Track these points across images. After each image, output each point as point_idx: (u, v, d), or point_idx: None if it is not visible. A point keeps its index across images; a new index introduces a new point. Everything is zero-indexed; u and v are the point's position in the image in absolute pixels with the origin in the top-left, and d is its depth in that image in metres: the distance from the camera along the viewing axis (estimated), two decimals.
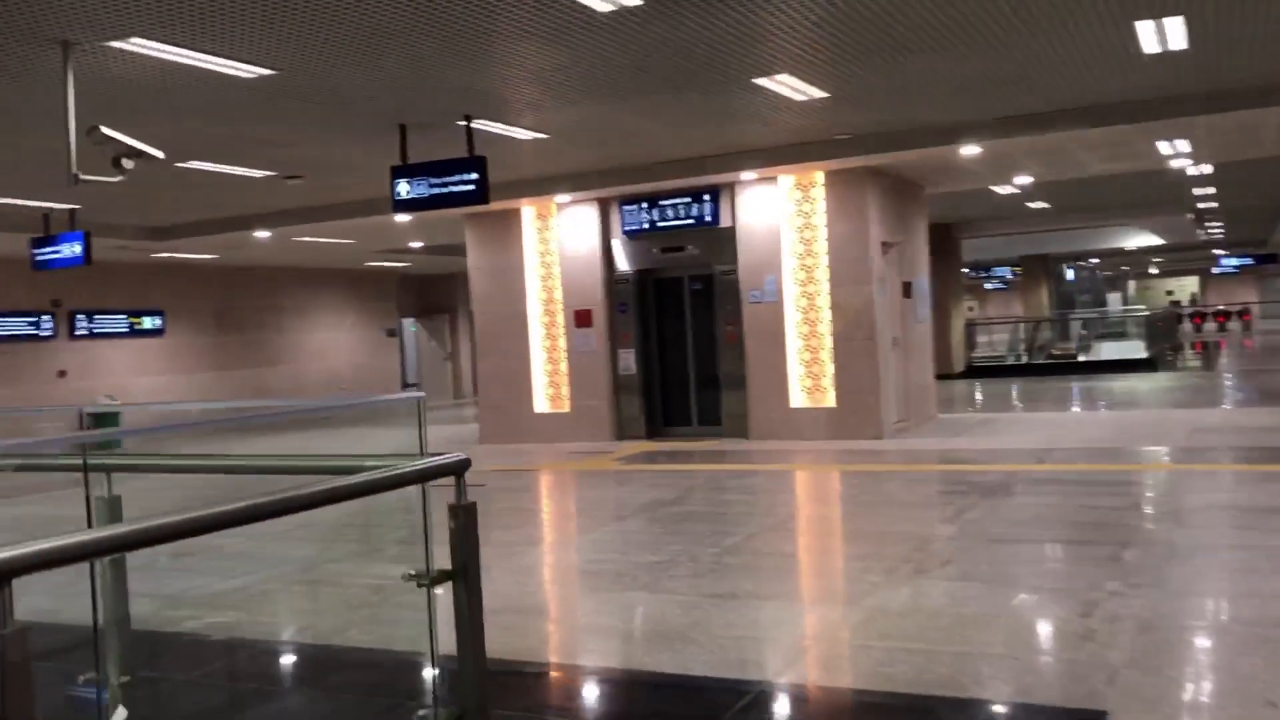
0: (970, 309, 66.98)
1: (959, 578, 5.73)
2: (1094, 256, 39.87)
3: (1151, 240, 30.39)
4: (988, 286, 65.01)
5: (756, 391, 13.05)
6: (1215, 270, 48.34)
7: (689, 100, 9.23)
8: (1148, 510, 7.66)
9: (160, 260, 18.09)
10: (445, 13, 6.33)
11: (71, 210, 13.10)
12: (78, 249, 12.63)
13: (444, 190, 9.40)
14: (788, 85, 8.81)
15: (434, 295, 25.43)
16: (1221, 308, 45.28)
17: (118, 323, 17.97)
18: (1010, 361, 25.55)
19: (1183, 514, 7.28)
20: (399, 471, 2.43)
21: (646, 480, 10.20)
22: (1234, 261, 43.07)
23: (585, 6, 6.36)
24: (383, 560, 6.43)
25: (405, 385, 27.99)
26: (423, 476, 2.50)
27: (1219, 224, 28.03)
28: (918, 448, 11.51)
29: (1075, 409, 15.13)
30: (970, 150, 11.57)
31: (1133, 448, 10.46)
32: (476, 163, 9.27)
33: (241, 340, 20.47)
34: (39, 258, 13.10)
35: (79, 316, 17.40)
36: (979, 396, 18.69)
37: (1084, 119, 10.52)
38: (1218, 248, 41.02)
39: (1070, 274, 44.57)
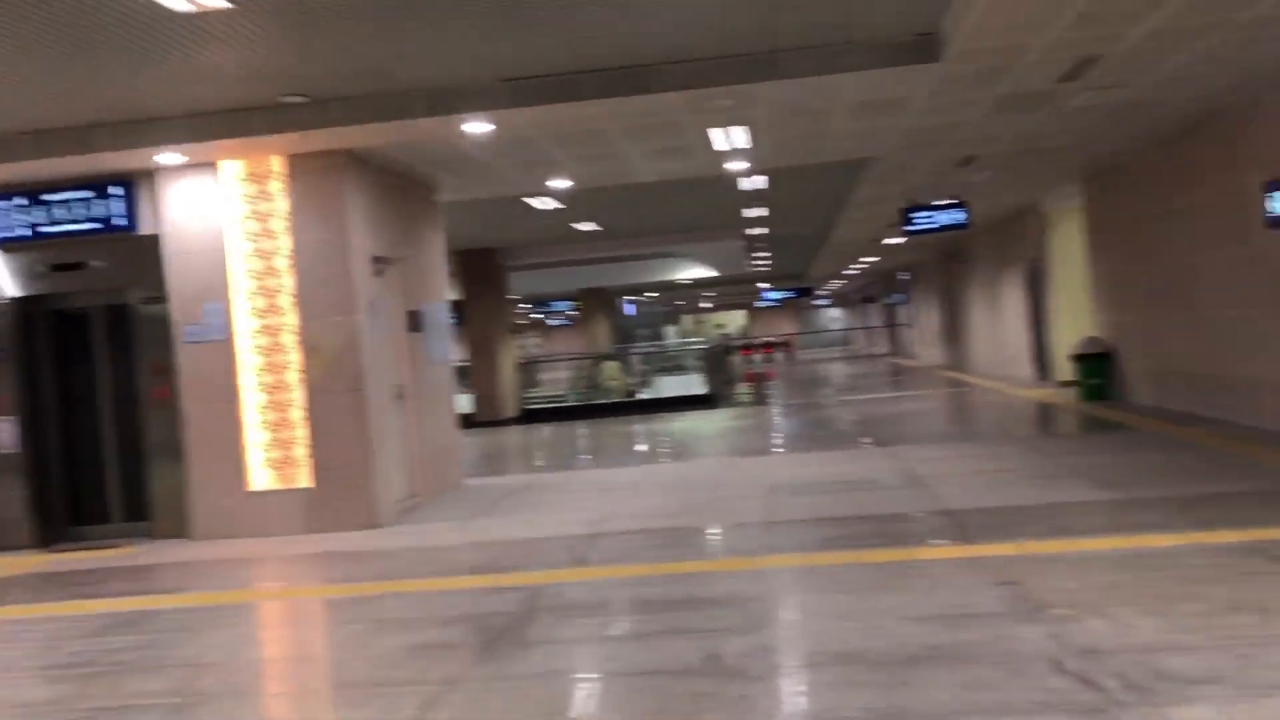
0: (538, 345, 66.23)
1: None
2: (650, 290, 39.41)
3: (704, 272, 29.77)
4: (551, 323, 64.56)
5: (201, 471, 9.09)
6: (759, 304, 50.49)
7: None
8: (738, 653, 4.74)
9: None
10: None
11: None
12: None
13: None
14: None
15: None
16: (769, 339, 46.97)
17: None
18: (571, 403, 23.23)
19: (791, 670, 4.47)
20: None
21: None
22: (776, 295, 44.76)
23: None
24: None
25: None
26: None
27: (766, 254, 27.76)
28: (418, 544, 8.13)
29: (634, 463, 12.64)
30: (478, 128, 8.48)
31: (704, 526, 7.79)
32: None
33: None
34: None
35: None
36: (526, 450, 15.82)
37: (623, 83, 7.77)
38: (763, 281, 42.25)
39: (630, 308, 44.20)
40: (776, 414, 17.86)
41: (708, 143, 10.06)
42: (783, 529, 7.35)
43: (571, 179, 11.69)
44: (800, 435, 14.09)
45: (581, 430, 18.12)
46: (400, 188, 10.24)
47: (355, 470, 8.90)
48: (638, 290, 37.45)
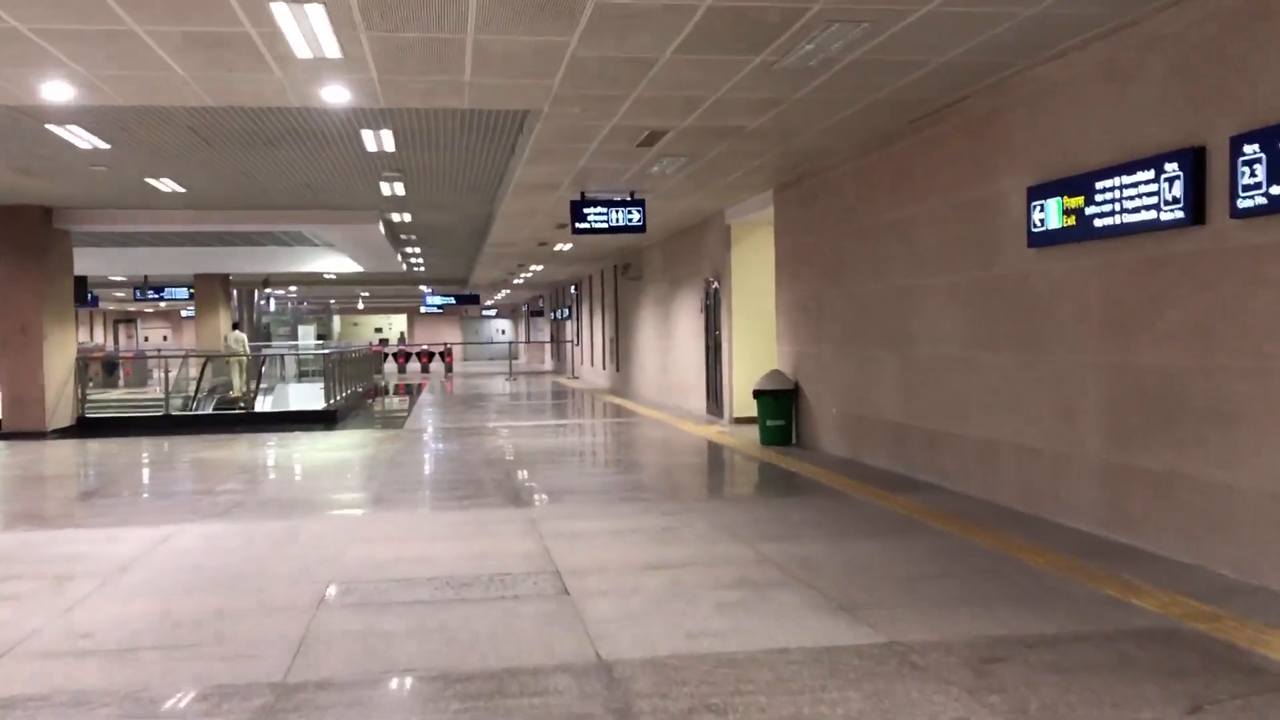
0: (164, 338, 58.41)
1: None
2: (292, 283, 34.54)
3: (350, 266, 25.69)
4: (186, 314, 56.92)
5: None
6: (423, 309, 46.59)
7: None
8: None
9: None
10: None
11: None
12: None
13: None
14: None
15: None
16: (425, 347, 43.21)
17: None
18: (172, 411, 18.31)
19: None
20: None
21: None
22: (438, 300, 41.14)
23: None
24: None
25: None
26: None
27: (417, 250, 24.17)
28: None
29: (164, 518, 8.67)
30: None
31: (160, 696, 4.21)
32: None
33: None
34: None
35: None
36: (24, 484, 11.30)
37: None
38: (423, 284, 38.54)
39: (270, 303, 38.92)
40: (407, 442, 14.36)
41: (278, 38, 6.49)
42: (299, 711, 3.93)
43: (81, 87, 7.68)
44: (421, 479, 10.68)
45: (143, 451, 13.75)
46: None
47: None
48: (273, 282, 32.52)
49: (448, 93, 7.94)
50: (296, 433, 15.78)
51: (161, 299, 31.16)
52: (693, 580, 5.79)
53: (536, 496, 8.99)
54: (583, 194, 13.22)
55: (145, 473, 11.71)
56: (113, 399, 22.66)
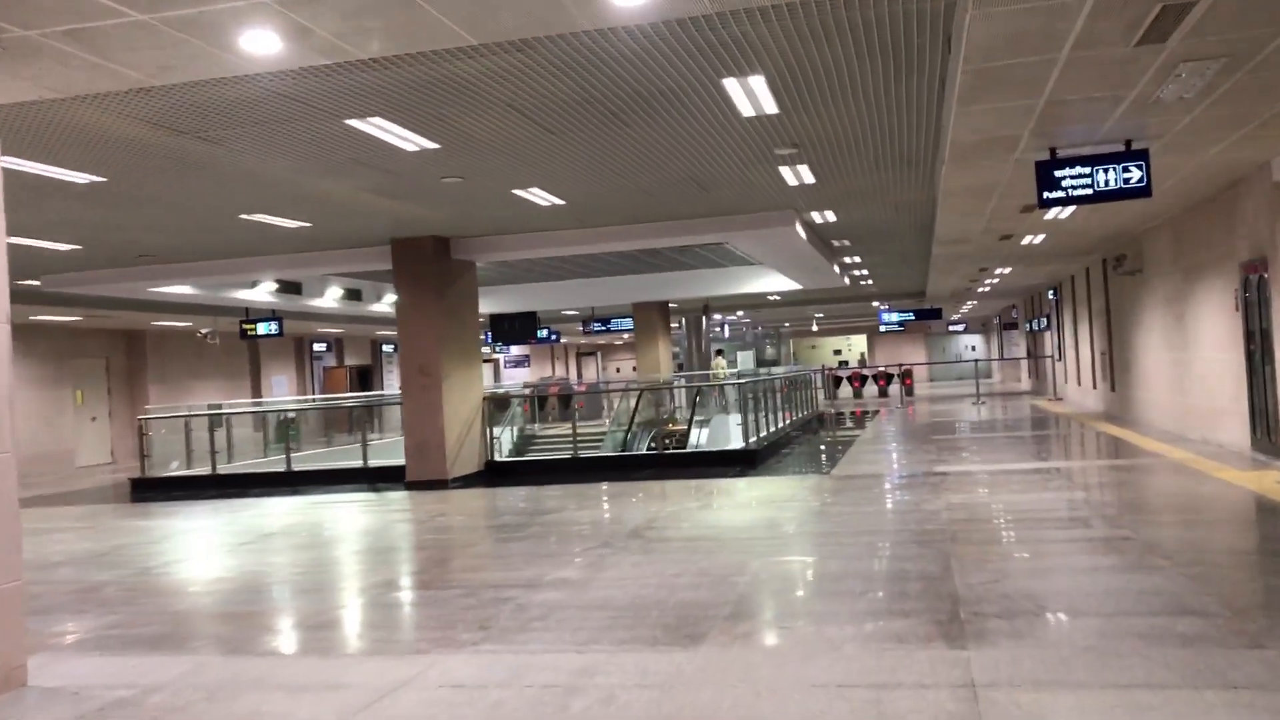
0: (618, 370, 60.12)
1: None
2: (735, 307, 32.85)
3: (790, 285, 23.15)
4: None
5: None
6: (881, 328, 43.29)
7: None
8: None
9: None
10: None
11: None
12: None
13: None
14: None
15: None
16: (882, 369, 39.78)
17: None
18: (561, 455, 16.62)
19: None
20: None
21: None
22: (895, 317, 37.56)
23: None
24: None
25: None
26: None
27: (858, 261, 21.01)
28: None
29: (416, 644, 6.31)
30: None
31: None
32: None
33: None
34: None
35: None
36: (365, 561, 9.59)
37: None
38: (875, 299, 35.30)
39: (724, 329, 37.74)
40: (826, 497, 11.21)
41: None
42: None
43: (282, 31, 5.51)
44: (815, 570, 7.44)
45: (523, 506, 11.80)
46: None
47: None
48: (713, 306, 30.92)
49: None
50: (704, 479, 13.26)
51: (609, 330, 30.62)
52: None
53: (986, 619, 5.48)
54: (1052, 151, 9.38)
55: (488, 545, 9.57)
56: (557, 434, 21.71)
